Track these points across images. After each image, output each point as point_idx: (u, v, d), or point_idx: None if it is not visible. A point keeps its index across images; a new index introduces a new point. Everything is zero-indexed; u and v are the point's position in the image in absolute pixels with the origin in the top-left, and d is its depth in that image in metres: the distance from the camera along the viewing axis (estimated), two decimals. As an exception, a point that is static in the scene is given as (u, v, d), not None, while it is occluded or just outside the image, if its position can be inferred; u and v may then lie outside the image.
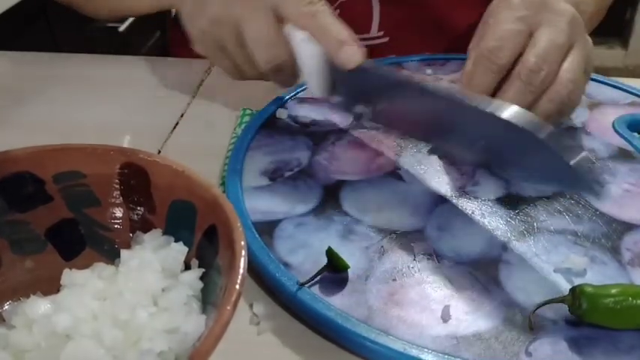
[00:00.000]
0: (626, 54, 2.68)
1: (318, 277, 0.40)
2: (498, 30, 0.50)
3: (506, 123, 0.42)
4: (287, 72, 0.54)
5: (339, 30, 0.50)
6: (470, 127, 0.46)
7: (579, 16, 0.52)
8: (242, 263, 0.32)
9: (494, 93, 0.50)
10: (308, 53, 0.52)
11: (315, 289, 0.40)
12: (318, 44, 0.51)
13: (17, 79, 0.69)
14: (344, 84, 0.53)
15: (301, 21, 0.51)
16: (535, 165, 0.43)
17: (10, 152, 0.39)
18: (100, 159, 0.40)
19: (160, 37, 1.80)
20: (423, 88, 0.48)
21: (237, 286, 0.31)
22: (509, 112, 0.43)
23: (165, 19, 1.88)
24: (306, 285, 0.40)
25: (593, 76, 0.64)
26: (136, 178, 0.40)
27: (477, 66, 0.50)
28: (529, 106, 0.48)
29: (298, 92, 0.61)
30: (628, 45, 2.67)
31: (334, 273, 0.41)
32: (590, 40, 0.53)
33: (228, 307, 0.30)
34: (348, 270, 0.41)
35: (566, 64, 0.50)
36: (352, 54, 0.49)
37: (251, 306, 0.41)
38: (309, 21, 0.51)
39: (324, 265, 0.41)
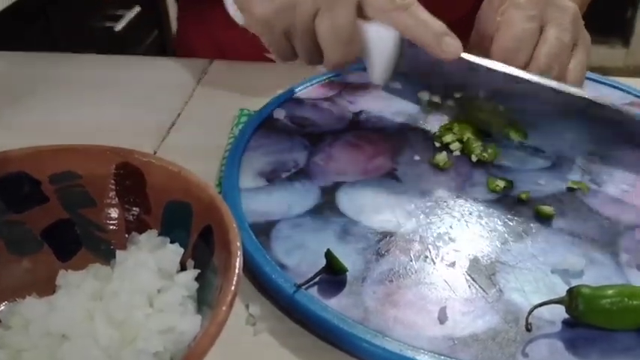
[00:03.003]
0: (627, 53, 2.69)
1: (317, 279, 0.40)
2: (513, 30, 0.52)
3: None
4: (348, 66, 0.53)
5: (437, 23, 0.49)
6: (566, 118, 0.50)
7: (579, 12, 0.53)
8: (237, 264, 0.32)
9: None
10: (382, 45, 0.51)
11: (312, 291, 0.40)
12: (392, 35, 0.50)
13: (14, 79, 0.69)
14: (408, 72, 0.53)
15: (393, 15, 0.49)
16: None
17: (6, 153, 0.39)
18: (95, 159, 0.40)
19: (158, 37, 1.81)
20: (524, 80, 0.50)
21: (233, 287, 0.31)
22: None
23: (162, 18, 1.89)
24: (303, 287, 0.40)
25: (592, 76, 0.64)
26: (132, 179, 0.40)
27: None
28: None
29: (295, 93, 0.61)
30: (629, 44, 2.68)
31: (332, 275, 0.41)
32: (588, 34, 0.55)
33: (224, 308, 0.30)
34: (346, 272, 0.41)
35: (573, 63, 0.52)
36: (453, 46, 0.49)
37: (247, 307, 0.41)
38: (403, 15, 0.49)
39: (323, 267, 0.41)
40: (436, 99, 0.55)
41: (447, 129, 0.55)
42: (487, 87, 0.52)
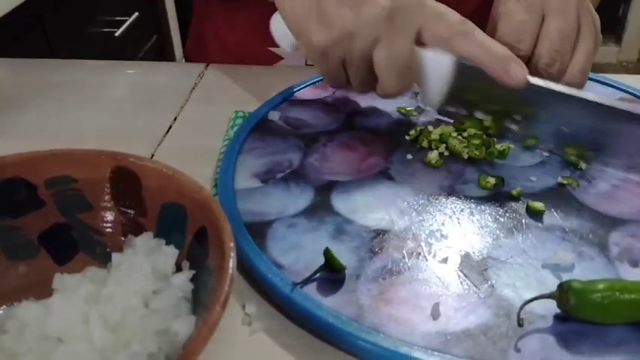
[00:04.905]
0: (620, 50, 2.69)
1: (317, 276, 0.41)
2: (512, 22, 0.52)
3: None
4: (402, 94, 0.53)
5: (500, 47, 0.49)
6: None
7: None
8: (230, 264, 0.33)
9: None
10: (439, 70, 0.51)
11: (308, 290, 0.40)
12: (449, 61, 0.50)
13: (12, 85, 0.69)
14: (463, 95, 0.53)
15: (455, 41, 0.49)
16: None
17: (1, 158, 0.39)
18: (90, 163, 0.40)
19: (157, 41, 1.81)
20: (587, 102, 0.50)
21: (226, 287, 0.32)
22: None
23: (161, 23, 1.89)
24: (300, 285, 0.40)
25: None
26: (127, 182, 0.40)
27: None
28: None
29: (290, 95, 0.62)
30: (622, 41, 2.68)
31: (330, 273, 0.41)
32: (596, 16, 0.54)
33: (217, 308, 0.31)
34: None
35: (577, 55, 0.52)
36: (520, 71, 0.48)
37: (243, 306, 0.41)
38: (465, 41, 0.49)
39: (321, 266, 0.41)
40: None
41: (421, 132, 0.55)
42: (548, 108, 0.52)
